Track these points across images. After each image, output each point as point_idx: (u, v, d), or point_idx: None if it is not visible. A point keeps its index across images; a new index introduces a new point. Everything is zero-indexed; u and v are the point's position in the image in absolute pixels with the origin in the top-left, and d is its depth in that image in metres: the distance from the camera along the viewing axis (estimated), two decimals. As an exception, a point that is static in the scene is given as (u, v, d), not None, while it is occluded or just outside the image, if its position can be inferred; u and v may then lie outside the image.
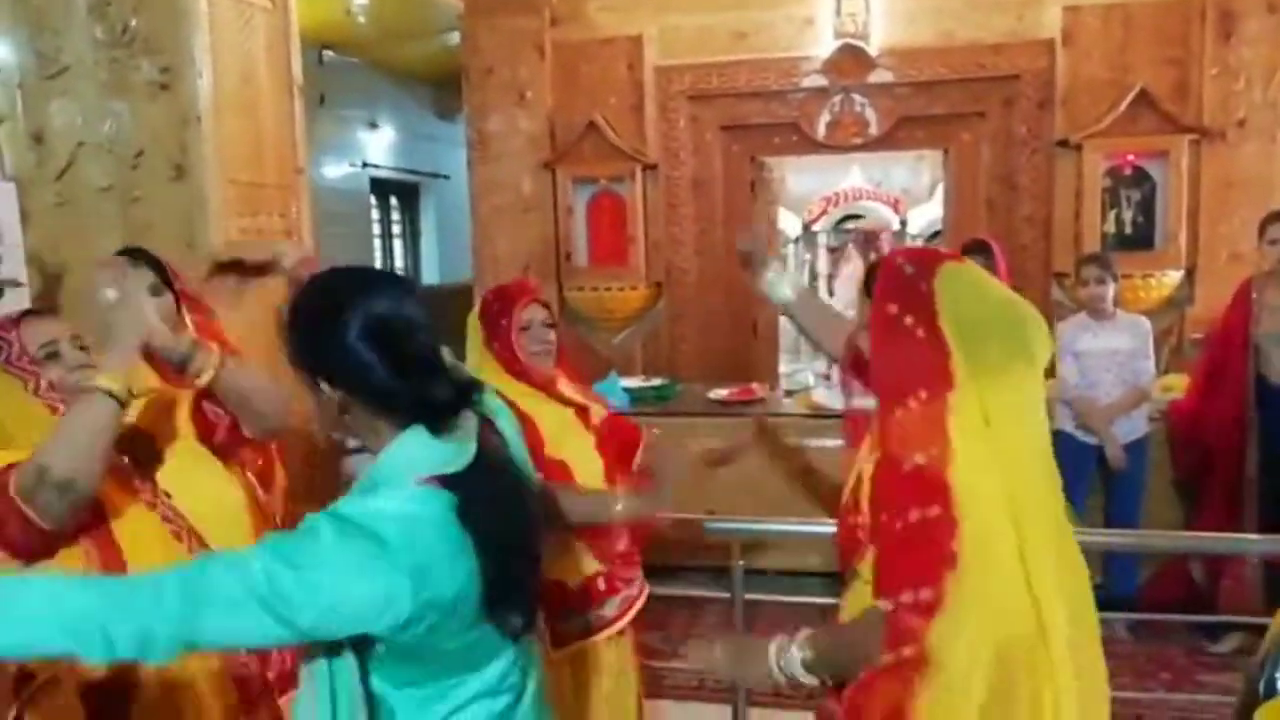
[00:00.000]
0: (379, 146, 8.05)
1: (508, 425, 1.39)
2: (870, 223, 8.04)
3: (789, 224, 8.04)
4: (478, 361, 2.10)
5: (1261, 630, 3.17)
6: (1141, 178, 4.44)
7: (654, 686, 3.25)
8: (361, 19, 5.98)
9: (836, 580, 1.57)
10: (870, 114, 4.81)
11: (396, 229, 8.99)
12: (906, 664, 1.22)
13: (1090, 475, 3.65)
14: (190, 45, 2.79)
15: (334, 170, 7.34)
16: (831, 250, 8.61)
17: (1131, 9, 4.40)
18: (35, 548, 1.36)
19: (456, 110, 6.42)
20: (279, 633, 1.06)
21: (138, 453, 1.65)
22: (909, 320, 1.30)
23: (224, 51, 2.89)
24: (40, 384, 1.52)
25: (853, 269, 7.63)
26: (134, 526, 1.50)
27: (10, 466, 1.37)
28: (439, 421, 1.16)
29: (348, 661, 1.17)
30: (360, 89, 7.57)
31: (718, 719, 2.79)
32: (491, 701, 1.27)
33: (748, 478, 3.83)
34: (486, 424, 1.29)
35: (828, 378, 4.85)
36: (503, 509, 1.20)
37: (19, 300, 2.81)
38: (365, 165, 7.79)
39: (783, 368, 5.88)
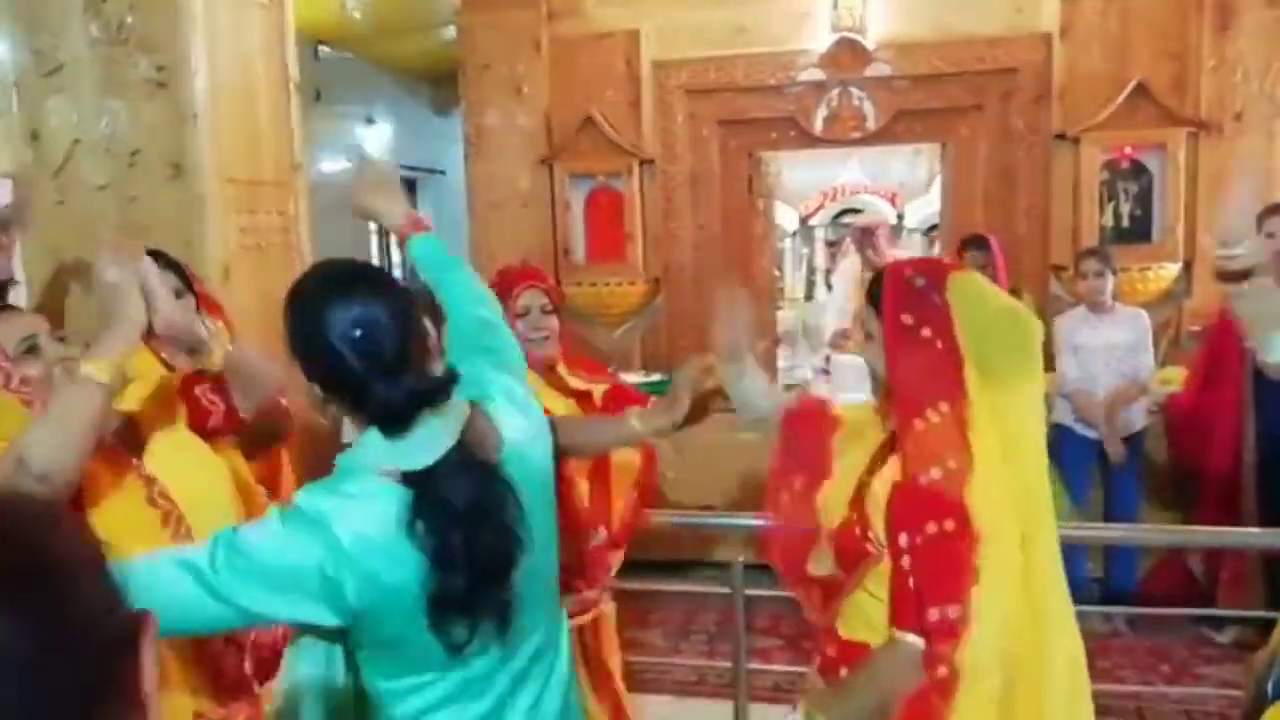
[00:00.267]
0: (376, 142, 8.02)
1: (520, 422, 1.33)
2: (866, 217, 8.03)
3: (786, 218, 8.03)
4: None
5: (1259, 623, 3.18)
6: (1139, 171, 4.44)
7: (656, 682, 3.27)
8: (357, 14, 5.95)
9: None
10: (868, 108, 4.80)
11: (393, 225, 8.98)
12: (939, 685, 1.23)
13: (1090, 469, 3.66)
14: (187, 43, 2.77)
15: (330, 166, 7.32)
16: (829, 244, 8.60)
17: (1129, 2, 4.39)
18: None
19: (453, 106, 6.40)
20: (223, 613, 1.12)
21: (126, 434, 1.63)
22: (926, 332, 1.32)
23: (220, 49, 2.88)
24: (12, 379, 1.49)
25: (850, 264, 7.61)
26: (118, 511, 1.47)
27: None
28: (392, 424, 1.17)
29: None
30: (357, 85, 7.54)
31: (719, 715, 2.80)
32: (470, 706, 1.26)
33: (747, 473, 3.83)
34: (479, 421, 1.25)
35: (826, 372, 4.86)
36: (461, 512, 1.16)
37: (16, 298, 2.80)
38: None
39: (780, 363, 5.88)
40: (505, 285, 2.11)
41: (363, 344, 1.16)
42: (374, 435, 1.19)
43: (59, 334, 1.57)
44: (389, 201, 1.59)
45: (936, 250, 6.92)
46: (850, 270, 7.36)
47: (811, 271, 8.75)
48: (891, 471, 1.37)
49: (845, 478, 1.49)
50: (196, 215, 2.82)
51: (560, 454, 1.52)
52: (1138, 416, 3.67)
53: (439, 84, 8.19)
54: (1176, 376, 3.84)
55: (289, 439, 2.18)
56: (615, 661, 2.33)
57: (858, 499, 1.43)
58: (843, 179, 8.28)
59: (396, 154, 8.27)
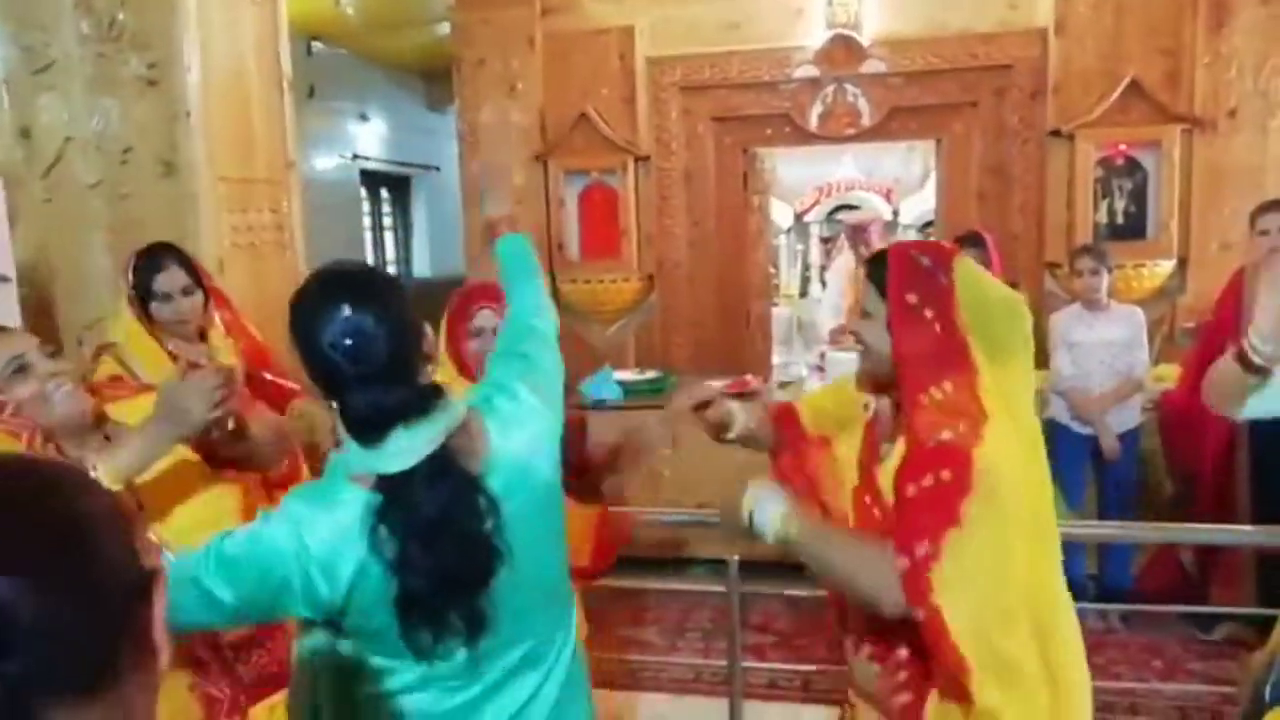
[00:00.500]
0: (369, 139, 8.00)
1: (518, 434, 1.32)
2: (860, 214, 8.03)
3: (781, 215, 8.03)
4: (444, 359, 2.11)
5: (1252, 620, 3.19)
6: (1133, 167, 4.44)
7: (652, 680, 3.27)
8: (350, 10, 5.93)
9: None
10: (862, 104, 4.80)
11: (388, 221, 8.95)
12: (927, 625, 1.26)
13: (1085, 466, 3.66)
14: (178, 40, 2.76)
15: (324, 163, 7.30)
16: (824, 241, 8.60)
17: (1123, -2, 4.40)
18: None
19: (447, 102, 6.38)
20: (210, 611, 1.20)
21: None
22: (929, 313, 1.34)
23: (213, 46, 2.87)
24: (4, 410, 1.45)
25: (844, 260, 7.61)
26: None
27: None
28: (365, 432, 1.20)
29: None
30: (350, 81, 7.51)
31: (714, 712, 2.80)
32: (441, 699, 1.28)
33: (742, 471, 3.83)
34: (470, 428, 1.26)
35: (821, 369, 4.86)
36: (426, 519, 1.18)
37: (6, 297, 2.79)
38: (355, 158, 7.74)
39: (775, 359, 5.88)
40: (463, 303, 2.12)
41: (349, 353, 1.18)
42: (351, 441, 1.22)
43: (49, 349, 1.55)
44: (499, 198, 1.69)
45: (931, 246, 6.89)
46: (844, 267, 7.36)
47: (806, 268, 8.76)
48: (896, 458, 1.38)
49: (844, 472, 1.51)
50: (189, 213, 2.81)
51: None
52: (1132, 413, 3.67)
53: (433, 80, 8.17)
54: (1170, 373, 3.84)
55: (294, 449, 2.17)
56: None
57: (864, 486, 1.44)
58: (838, 175, 8.28)
59: (390, 151, 8.25)
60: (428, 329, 2.03)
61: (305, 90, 6.00)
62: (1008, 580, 1.27)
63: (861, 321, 1.44)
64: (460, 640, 1.23)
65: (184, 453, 1.69)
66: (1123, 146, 4.42)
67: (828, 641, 3.16)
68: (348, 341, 1.18)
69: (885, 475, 1.39)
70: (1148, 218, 4.44)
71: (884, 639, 1.41)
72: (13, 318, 2.59)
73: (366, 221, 8.49)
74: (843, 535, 1.44)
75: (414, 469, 1.18)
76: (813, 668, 3.18)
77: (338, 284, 1.24)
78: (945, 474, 1.27)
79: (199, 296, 2.18)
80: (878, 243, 5.26)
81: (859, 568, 1.33)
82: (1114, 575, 3.65)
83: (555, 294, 4.96)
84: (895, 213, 8.20)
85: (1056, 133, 4.47)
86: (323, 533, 1.18)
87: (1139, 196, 4.45)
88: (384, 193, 8.82)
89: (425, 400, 1.21)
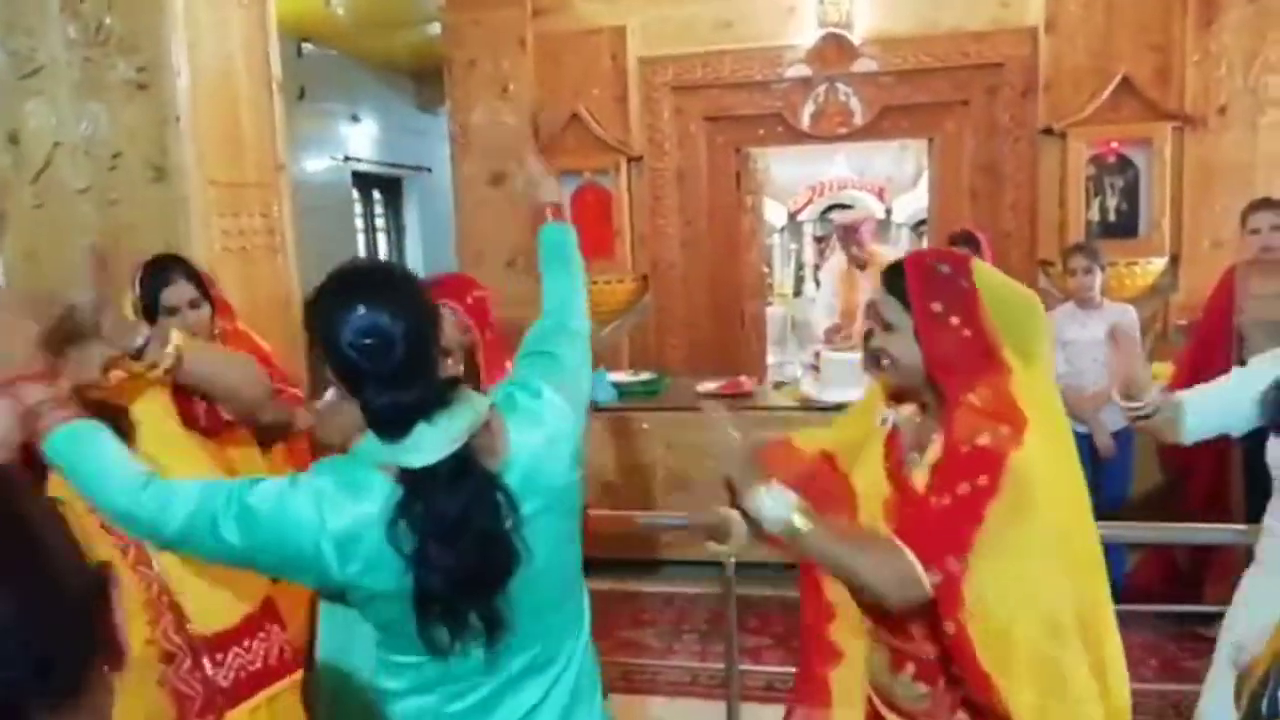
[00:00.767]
0: (361, 140, 7.97)
1: (533, 434, 1.30)
2: (851, 214, 8.04)
3: (774, 214, 8.03)
4: None
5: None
6: (1125, 165, 4.45)
7: (648, 683, 3.26)
8: (341, 11, 5.91)
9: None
10: (854, 103, 4.80)
11: (380, 223, 8.92)
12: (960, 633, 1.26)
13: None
14: (167, 43, 2.73)
15: (315, 164, 7.27)
16: (817, 240, 8.61)
17: (1114, -4, 4.40)
18: None
19: (439, 103, 6.36)
20: (216, 547, 1.22)
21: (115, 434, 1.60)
22: (955, 319, 1.34)
23: (201, 48, 2.84)
24: None
25: (837, 259, 7.62)
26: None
27: None
28: (385, 429, 1.21)
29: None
30: (341, 82, 7.48)
31: (711, 715, 2.80)
32: (452, 702, 1.28)
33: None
34: (492, 426, 1.25)
35: (815, 369, 4.85)
36: (446, 517, 1.18)
37: (-4, 304, 2.76)
38: (347, 159, 7.71)
39: (770, 359, 5.88)
40: None
41: (367, 352, 1.19)
42: (370, 435, 1.23)
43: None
44: (547, 186, 1.73)
45: (924, 246, 6.92)
46: (837, 266, 7.35)
47: (800, 267, 8.77)
48: (931, 458, 1.38)
49: (868, 489, 1.49)
50: (179, 218, 2.78)
51: None
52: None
53: (424, 81, 8.15)
54: (1163, 371, 3.84)
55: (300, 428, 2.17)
56: None
57: (901, 496, 1.43)
58: (830, 174, 8.30)
59: (382, 152, 8.23)
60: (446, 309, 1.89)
61: (296, 92, 5.97)
62: (1047, 586, 1.28)
63: (886, 335, 1.42)
64: (479, 640, 1.24)
65: (171, 425, 1.67)
66: (1114, 144, 4.43)
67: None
68: (365, 341, 1.18)
69: (920, 477, 1.39)
70: (1139, 215, 4.45)
71: (925, 659, 1.41)
72: (2, 324, 2.57)
73: (359, 223, 8.46)
74: (852, 527, 1.44)
75: (436, 466, 1.18)
76: (809, 669, 3.18)
77: (354, 283, 1.24)
78: (982, 480, 1.27)
79: (205, 309, 2.16)
80: (869, 241, 5.27)
81: (866, 561, 1.33)
82: (1109, 573, 3.66)
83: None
84: (888, 211, 8.21)
85: (1048, 131, 4.48)
86: (345, 515, 1.18)
87: (1131, 194, 4.47)
88: (376, 194, 8.79)
89: (443, 395, 1.22)
